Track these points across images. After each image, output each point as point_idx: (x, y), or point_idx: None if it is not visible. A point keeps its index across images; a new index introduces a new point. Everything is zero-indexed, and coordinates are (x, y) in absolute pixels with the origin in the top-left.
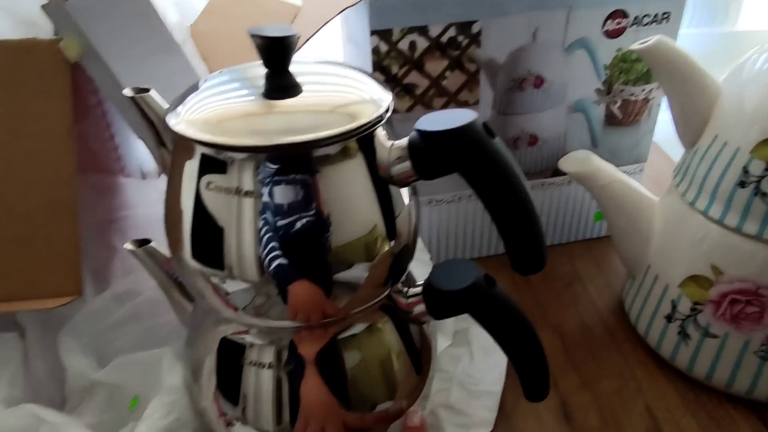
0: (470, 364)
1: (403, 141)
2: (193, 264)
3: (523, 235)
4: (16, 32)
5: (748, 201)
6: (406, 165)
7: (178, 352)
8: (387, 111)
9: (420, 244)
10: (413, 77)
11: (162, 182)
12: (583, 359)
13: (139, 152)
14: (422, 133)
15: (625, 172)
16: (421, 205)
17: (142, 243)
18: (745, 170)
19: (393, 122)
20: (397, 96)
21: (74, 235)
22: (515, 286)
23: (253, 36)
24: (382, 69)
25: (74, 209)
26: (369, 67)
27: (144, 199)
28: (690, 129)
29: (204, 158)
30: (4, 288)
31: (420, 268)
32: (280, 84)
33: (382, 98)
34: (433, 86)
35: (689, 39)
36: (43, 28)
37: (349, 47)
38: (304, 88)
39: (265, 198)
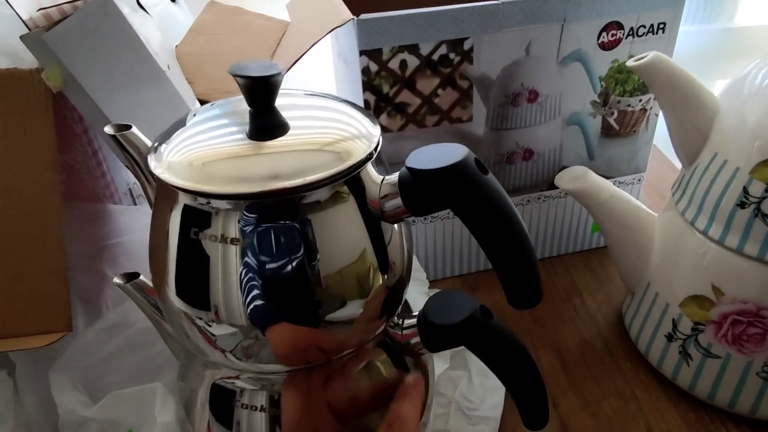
0: (468, 387)
1: (393, 177)
2: (178, 305)
3: (519, 271)
4: None
5: (748, 222)
6: (397, 202)
7: (170, 385)
8: (376, 147)
9: (415, 263)
10: (405, 96)
11: None
12: (582, 378)
13: (129, 177)
14: (413, 171)
15: (623, 182)
16: (417, 222)
17: (131, 277)
18: (745, 191)
19: (382, 148)
20: (388, 115)
21: (62, 270)
22: None
23: (235, 75)
24: (372, 88)
25: (61, 244)
26: (359, 86)
27: (135, 225)
28: (688, 146)
29: (187, 205)
30: None
31: (415, 286)
32: (266, 123)
33: (371, 133)
34: (425, 104)
35: (687, 36)
36: (26, 60)
37: (340, 63)
38: (290, 125)
39: (252, 244)
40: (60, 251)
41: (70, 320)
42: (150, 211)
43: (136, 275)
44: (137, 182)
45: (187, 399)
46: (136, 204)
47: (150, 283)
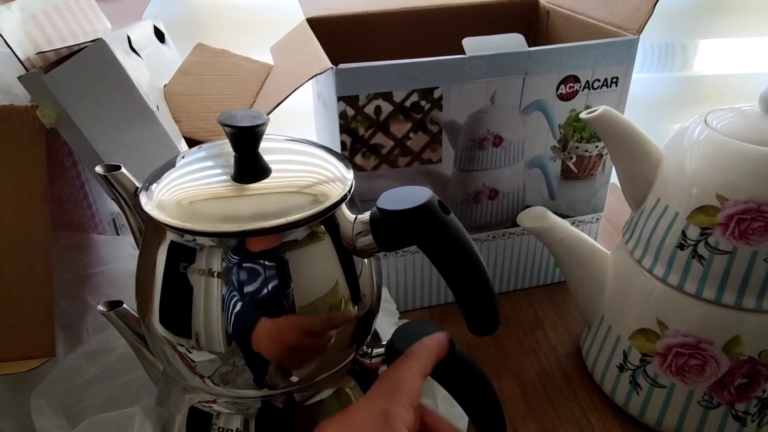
0: None
1: (365, 216)
2: (161, 332)
3: (478, 301)
4: None
5: (687, 262)
6: (369, 238)
7: (148, 410)
8: (350, 190)
9: (386, 295)
10: (379, 138)
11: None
12: (542, 407)
13: (113, 209)
14: (383, 211)
15: (582, 221)
16: (388, 256)
17: (115, 305)
18: (684, 234)
19: (358, 186)
20: (363, 156)
21: (48, 298)
22: None
23: (223, 125)
24: (349, 131)
25: (48, 272)
26: (336, 128)
27: (117, 255)
28: (635, 192)
29: (174, 241)
30: None
31: (386, 317)
32: (250, 167)
33: (345, 177)
34: (398, 146)
35: (646, 83)
36: (19, 95)
37: (319, 104)
38: (272, 169)
39: (234, 278)
40: (47, 279)
41: (54, 346)
42: (133, 242)
43: (120, 303)
44: (120, 213)
45: (165, 423)
46: (119, 234)
47: (132, 311)
